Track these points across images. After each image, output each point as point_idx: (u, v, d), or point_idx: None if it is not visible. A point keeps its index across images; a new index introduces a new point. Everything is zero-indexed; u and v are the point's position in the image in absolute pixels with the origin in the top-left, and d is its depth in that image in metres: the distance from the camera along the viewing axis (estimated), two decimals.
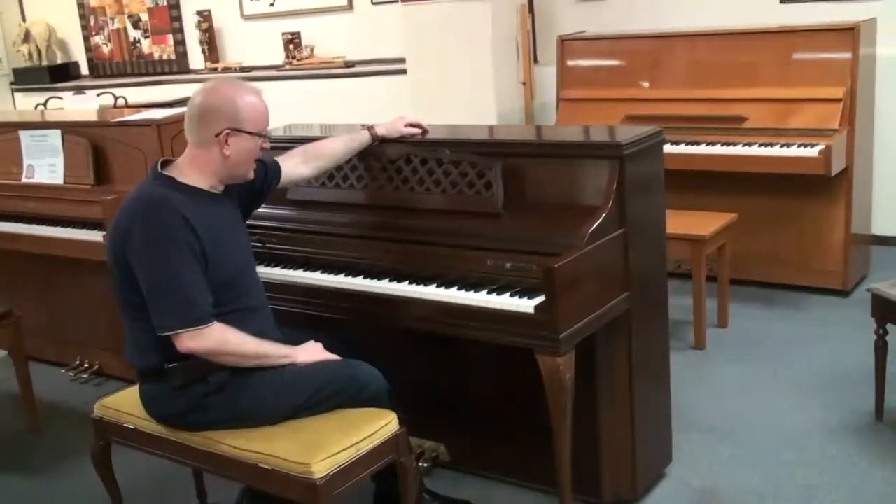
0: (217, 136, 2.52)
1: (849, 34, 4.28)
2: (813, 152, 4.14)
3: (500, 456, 3.07)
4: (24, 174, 4.10)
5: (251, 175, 2.66)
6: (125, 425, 2.72)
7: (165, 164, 2.63)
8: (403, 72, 5.70)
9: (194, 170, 2.58)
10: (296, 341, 2.75)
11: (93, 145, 3.89)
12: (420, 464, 3.06)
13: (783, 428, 3.32)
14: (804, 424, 3.33)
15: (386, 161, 3.00)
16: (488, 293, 2.59)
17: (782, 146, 4.25)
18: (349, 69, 6.40)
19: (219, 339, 2.47)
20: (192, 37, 7.12)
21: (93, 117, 4.51)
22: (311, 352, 2.65)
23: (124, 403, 2.75)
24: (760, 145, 4.31)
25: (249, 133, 2.55)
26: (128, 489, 2.95)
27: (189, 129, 2.58)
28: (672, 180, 4.30)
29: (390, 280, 2.79)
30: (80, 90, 7.14)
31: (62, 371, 4.30)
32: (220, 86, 2.61)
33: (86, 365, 4.28)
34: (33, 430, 3.77)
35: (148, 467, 3.02)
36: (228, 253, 2.56)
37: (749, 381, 3.72)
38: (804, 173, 4.22)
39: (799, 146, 4.21)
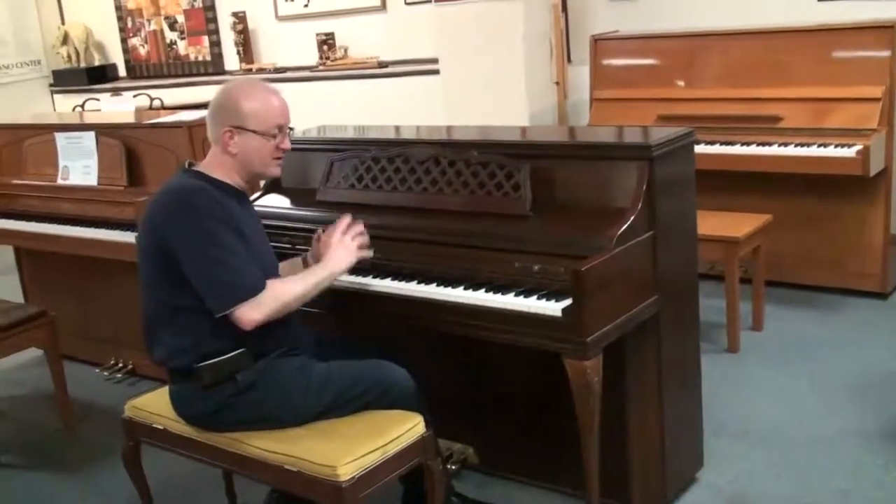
0: (222, 134, 2.57)
1: (888, 32, 4.19)
2: (850, 153, 4.07)
3: (528, 459, 3.05)
4: (59, 175, 4.15)
5: (274, 172, 2.67)
6: (154, 426, 2.74)
7: (192, 165, 2.68)
8: (436, 72, 5.69)
9: (219, 167, 2.62)
10: (323, 344, 2.77)
11: (126, 147, 3.93)
12: (449, 466, 3.06)
13: (818, 433, 3.27)
14: (839, 430, 3.28)
15: (414, 162, 2.99)
16: (515, 296, 2.56)
17: (819, 146, 4.18)
18: (382, 69, 6.40)
19: (273, 296, 2.47)
20: (228, 38, 7.16)
21: (127, 119, 4.56)
22: (342, 254, 2.66)
23: (154, 404, 2.77)
24: (797, 145, 4.24)
25: (254, 132, 2.56)
26: (159, 488, 2.98)
27: (208, 127, 2.63)
28: (707, 181, 4.26)
29: (418, 282, 2.78)
30: (116, 92, 7.21)
31: (96, 370, 4.35)
32: (232, 85, 2.65)
33: (120, 364, 4.32)
34: (67, 428, 3.81)
35: (180, 467, 3.02)
36: (257, 248, 2.58)
37: (784, 384, 3.66)
38: (842, 174, 4.15)
39: (836, 146, 4.14)
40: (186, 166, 2.66)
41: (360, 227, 2.74)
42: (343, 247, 2.68)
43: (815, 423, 3.34)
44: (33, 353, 4.20)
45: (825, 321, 4.24)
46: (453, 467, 3.07)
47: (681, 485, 2.96)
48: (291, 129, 2.70)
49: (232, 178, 2.62)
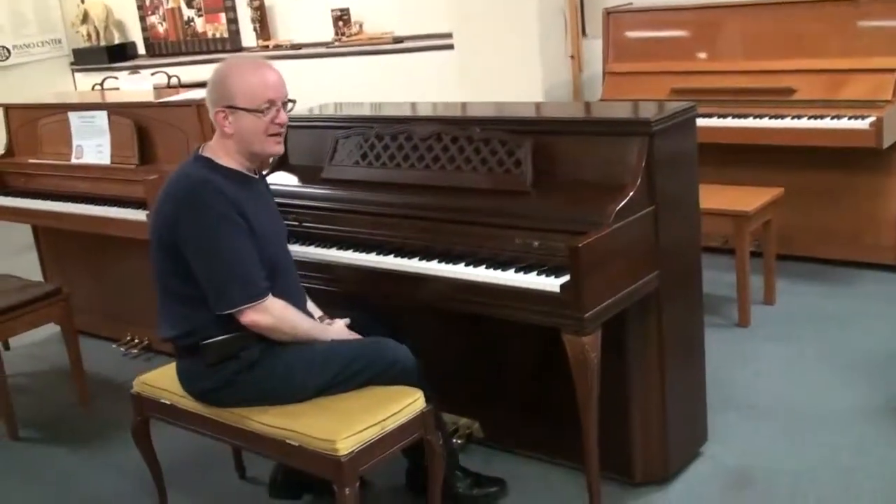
0: (216, 115, 2.58)
1: None
2: (864, 124, 4.02)
3: (533, 433, 3.07)
4: (73, 155, 4.20)
5: (273, 149, 2.65)
6: (162, 401, 2.79)
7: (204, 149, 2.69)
8: (451, 47, 5.67)
9: (223, 151, 2.63)
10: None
11: (137, 126, 3.97)
12: (454, 440, 3.08)
13: (825, 408, 3.26)
14: (847, 405, 3.26)
15: (417, 139, 3.00)
16: (516, 272, 2.58)
17: (832, 118, 4.13)
18: (397, 45, 6.38)
19: (280, 314, 2.54)
20: (244, 15, 7.18)
21: (144, 97, 4.59)
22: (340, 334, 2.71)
23: (162, 380, 2.82)
24: (810, 118, 4.20)
25: (244, 109, 2.55)
26: (170, 462, 3.06)
27: (209, 110, 2.64)
28: (719, 154, 4.27)
29: (420, 259, 2.80)
30: (135, 70, 7.25)
31: (113, 346, 4.41)
32: (223, 64, 2.64)
33: (136, 340, 4.38)
34: (83, 403, 3.88)
35: (190, 441, 3.05)
36: (267, 234, 2.60)
37: (793, 359, 3.65)
38: (855, 146, 4.11)
39: (849, 118, 4.09)
40: (199, 151, 2.67)
41: None
42: (340, 334, 2.72)
43: (824, 398, 3.33)
44: (52, 329, 4.27)
45: (838, 295, 4.21)
46: (458, 441, 3.10)
47: (684, 459, 2.96)
48: (293, 102, 2.67)
49: (237, 161, 2.63)
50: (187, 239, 2.50)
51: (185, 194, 2.53)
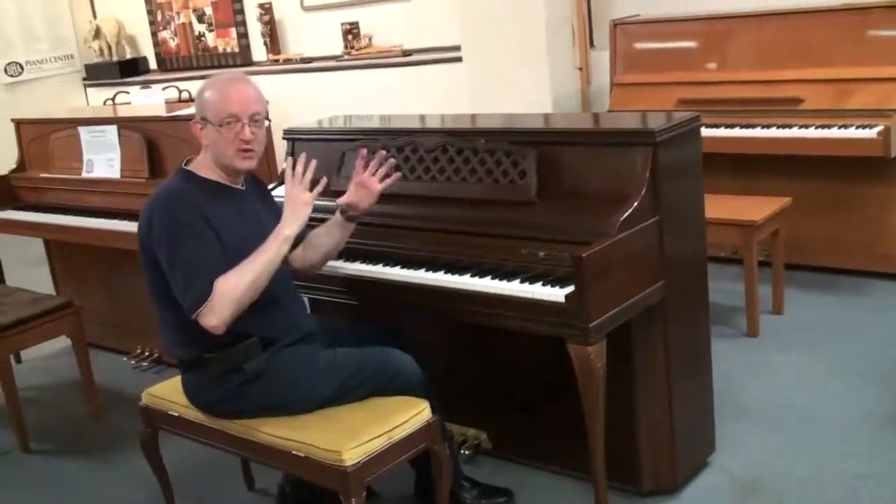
0: (193, 126, 2.64)
1: None
2: (872, 134, 4.02)
3: (540, 444, 3.07)
4: (84, 169, 4.24)
5: (240, 165, 2.61)
6: (170, 413, 2.80)
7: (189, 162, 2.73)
8: (460, 59, 5.69)
9: (203, 162, 2.67)
10: (334, 332, 2.81)
11: (147, 140, 4.01)
12: (462, 451, 3.09)
13: (834, 417, 3.25)
14: (856, 413, 3.25)
15: (423, 151, 3.02)
16: (521, 282, 2.59)
17: (840, 128, 4.13)
18: (407, 58, 6.42)
19: (221, 296, 2.43)
20: (255, 29, 7.23)
21: (155, 111, 4.63)
22: (290, 214, 2.56)
23: (170, 392, 2.84)
24: (817, 127, 4.19)
25: (210, 122, 2.58)
26: (180, 474, 3.07)
27: None
28: (727, 164, 4.28)
29: (427, 270, 2.81)
30: (146, 84, 7.32)
31: (124, 359, 4.44)
32: (207, 79, 2.69)
33: (146, 353, 4.40)
34: (94, 415, 3.91)
35: (200, 453, 3.07)
36: (244, 245, 2.54)
37: (802, 368, 3.64)
38: (863, 156, 4.10)
39: (857, 127, 4.09)
40: (183, 164, 2.70)
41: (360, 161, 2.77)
42: (290, 204, 2.57)
43: (833, 406, 3.32)
44: (64, 342, 4.30)
45: (847, 304, 4.20)
46: (466, 452, 3.10)
47: (692, 469, 2.96)
48: (268, 120, 2.67)
49: (215, 172, 2.66)
50: (157, 243, 2.53)
51: (156, 205, 2.57)
